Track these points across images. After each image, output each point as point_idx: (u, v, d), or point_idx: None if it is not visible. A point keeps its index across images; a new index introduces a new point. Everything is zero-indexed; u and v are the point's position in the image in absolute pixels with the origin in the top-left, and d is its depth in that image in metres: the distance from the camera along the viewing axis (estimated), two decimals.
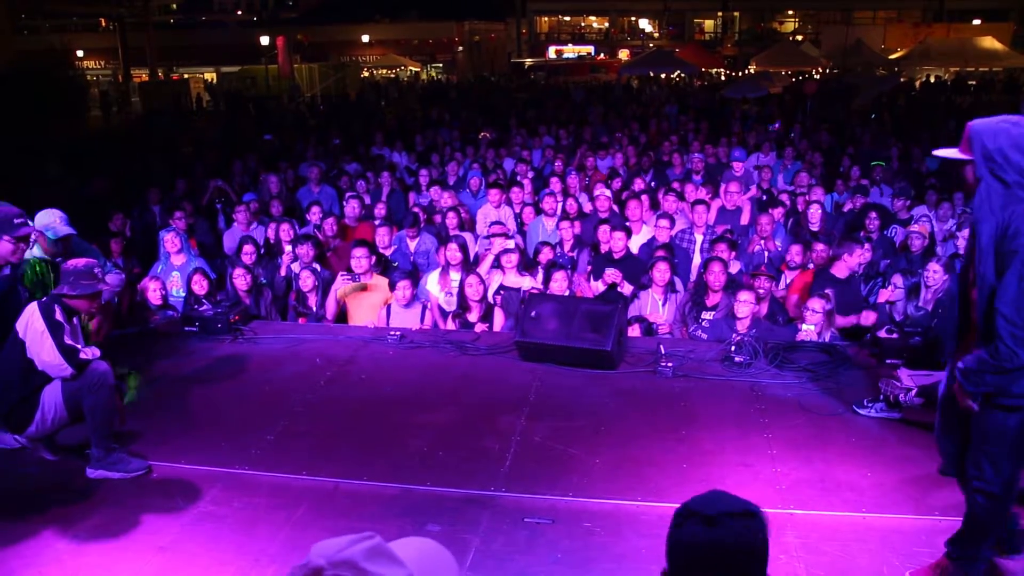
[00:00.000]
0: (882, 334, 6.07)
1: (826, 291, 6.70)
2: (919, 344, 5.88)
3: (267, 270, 7.97)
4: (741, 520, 1.69)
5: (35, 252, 5.46)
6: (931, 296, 6.97)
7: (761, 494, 4.33)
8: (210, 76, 45.78)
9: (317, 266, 7.73)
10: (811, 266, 7.44)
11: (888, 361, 5.86)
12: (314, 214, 9.10)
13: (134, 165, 14.44)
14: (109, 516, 4.21)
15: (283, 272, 7.85)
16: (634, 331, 6.88)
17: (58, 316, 4.45)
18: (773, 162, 12.68)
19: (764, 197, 10.16)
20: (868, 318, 6.80)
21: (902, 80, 29.28)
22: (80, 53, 43.96)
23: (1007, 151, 3.12)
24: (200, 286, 7.24)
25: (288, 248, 7.95)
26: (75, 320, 4.64)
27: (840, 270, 6.97)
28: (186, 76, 43.25)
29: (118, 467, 4.55)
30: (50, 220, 5.46)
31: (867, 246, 7.60)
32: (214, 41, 47.11)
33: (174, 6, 66.45)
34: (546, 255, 7.90)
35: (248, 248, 7.92)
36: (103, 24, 47.21)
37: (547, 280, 7.22)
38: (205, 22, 54.47)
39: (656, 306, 7.13)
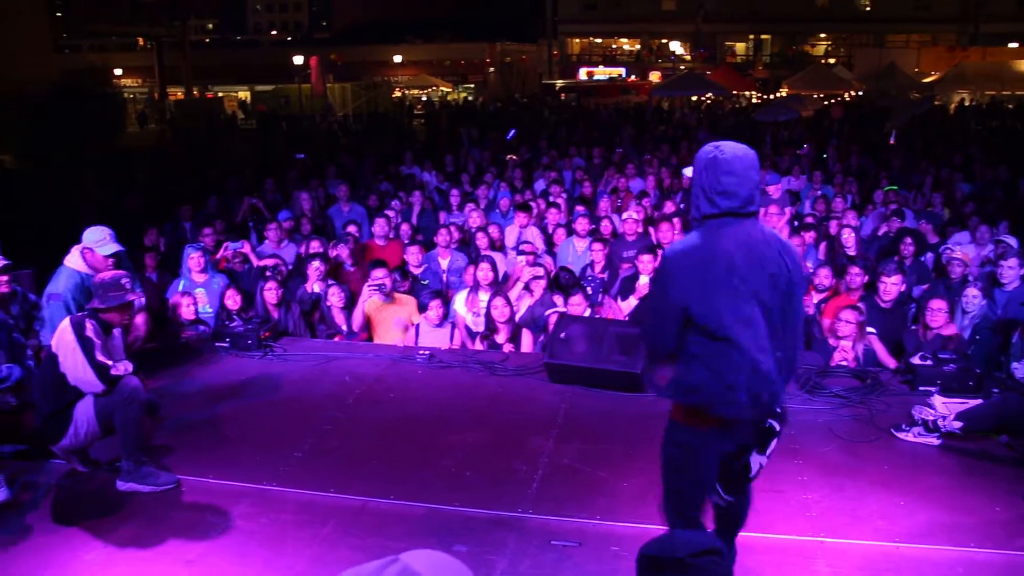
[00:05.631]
0: (916, 360, 5.98)
1: (859, 304, 6.65)
2: (954, 371, 5.79)
3: (295, 287, 8.02)
4: (709, 557, 1.68)
5: (82, 268, 5.54)
6: (968, 322, 6.87)
7: (791, 521, 4.28)
8: (244, 95, 46.43)
9: (335, 282, 7.81)
10: (844, 290, 7.35)
11: (921, 388, 5.77)
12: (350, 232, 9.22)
13: (167, 182, 14.64)
14: (138, 529, 4.24)
15: (308, 288, 7.89)
16: None
17: (89, 332, 4.48)
18: (803, 186, 12.61)
19: (796, 222, 10.09)
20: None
21: (936, 104, 29.01)
22: (118, 71, 44.81)
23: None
24: (234, 301, 7.30)
25: (315, 264, 8.00)
26: (114, 332, 4.68)
27: (884, 298, 6.88)
28: (220, 94, 43.91)
29: (148, 480, 4.58)
30: (100, 237, 5.55)
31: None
32: (248, 60, 47.81)
33: (210, 26, 67.64)
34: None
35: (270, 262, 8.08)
36: (141, 44, 48.14)
37: (566, 300, 7.21)
38: (240, 42, 55.35)
39: None
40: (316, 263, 7.89)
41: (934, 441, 5.04)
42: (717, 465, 3.31)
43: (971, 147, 16.67)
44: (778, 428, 3.25)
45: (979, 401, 5.23)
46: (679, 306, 3.17)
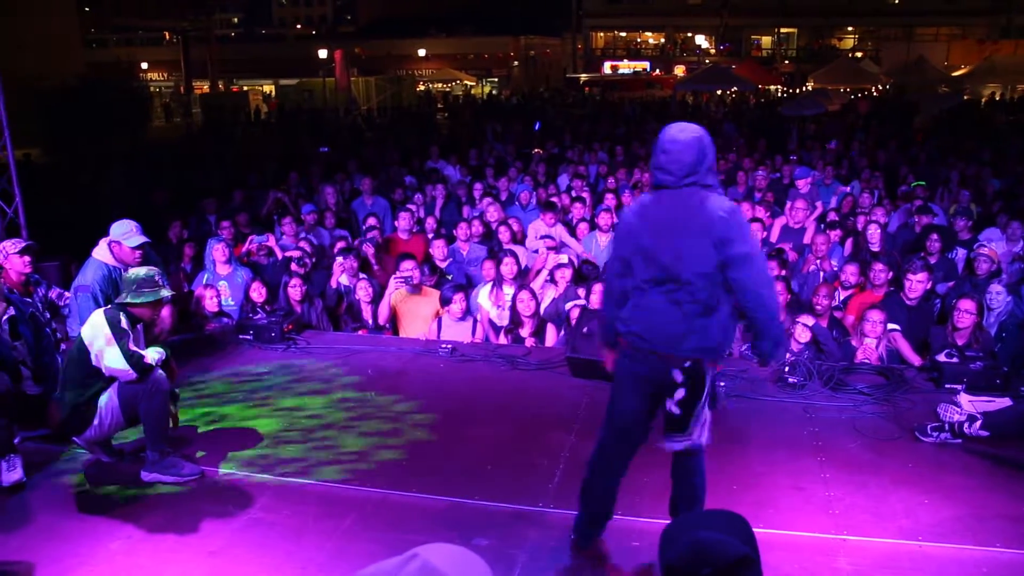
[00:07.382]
0: (941, 358, 5.91)
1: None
2: (980, 369, 5.72)
3: (318, 280, 8.06)
4: (748, 568, 1.66)
5: (110, 260, 5.59)
6: (994, 319, 6.78)
7: (813, 518, 4.25)
8: (269, 88, 46.67)
9: (364, 276, 7.82)
10: (869, 287, 7.29)
11: (947, 386, 5.71)
12: (371, 225, 9.24)
13: (192, 175, 14.76)
14: (161, 519, 4.28)
15: (334, 284, 7.93)
16: None
17: (123, 324, 4.53)
18: (828, 181, 12.48)
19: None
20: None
21: (966, 98, 28.60)
22: (144, 65, 45.25)
23: None
24: (259, 294, 7.35)
25: (339, 259, 8.04)
26: (139, 327, 4.72)
27: (910, 295, 6.83)
28: (245, 88, 44.19)
29: (171, 471, 4.63)
30: (126, 229, 5.61)
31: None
32: (273, 54, 48.09)
33: (235, 20, 67.99)
34: None
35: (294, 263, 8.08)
36: (167, 38, 48.53)
37: (588, 293, 7.19)
38: (265, 36, 55.60)
39: None
40: (343, 258, 7.92)
41: (958, 441, 4.98)
42: (637, 395, 3.83)
43: (1002, 142, 16.45)
44: (679, 380, 3.55)
45: (1007, 401, 5.16)
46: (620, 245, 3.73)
